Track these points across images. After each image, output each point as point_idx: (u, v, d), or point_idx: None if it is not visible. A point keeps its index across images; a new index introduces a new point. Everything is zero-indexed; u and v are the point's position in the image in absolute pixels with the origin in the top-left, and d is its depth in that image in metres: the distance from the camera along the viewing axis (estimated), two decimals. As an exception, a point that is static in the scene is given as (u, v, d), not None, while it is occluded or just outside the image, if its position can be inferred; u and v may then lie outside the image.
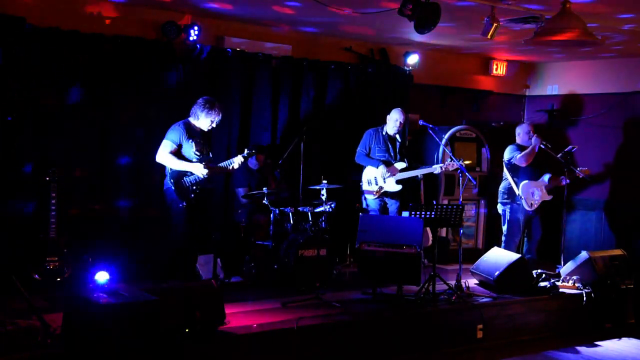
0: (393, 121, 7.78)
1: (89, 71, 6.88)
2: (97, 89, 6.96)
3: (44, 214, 6.39)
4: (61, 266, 6.35)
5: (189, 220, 6.42)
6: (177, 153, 6.39)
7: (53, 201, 6.33)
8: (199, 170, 6.36)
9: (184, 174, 6.39)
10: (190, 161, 6.39)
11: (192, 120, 6.51)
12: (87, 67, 6.86)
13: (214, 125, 6.53)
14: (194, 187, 6.40)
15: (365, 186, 7.81)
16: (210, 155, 6.58)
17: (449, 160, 7.58)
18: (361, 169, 7.94)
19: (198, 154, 6.43)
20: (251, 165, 7.60)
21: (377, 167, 7.72)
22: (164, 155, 6.39)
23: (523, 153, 7.86)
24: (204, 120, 6.47)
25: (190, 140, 6.41)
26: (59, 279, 6.33)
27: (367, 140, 7.89)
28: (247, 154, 6.68)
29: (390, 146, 7.81)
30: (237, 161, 6.61)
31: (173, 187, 6.37)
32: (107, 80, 7.00)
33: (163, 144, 6.40)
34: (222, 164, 6.64)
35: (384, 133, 7.85)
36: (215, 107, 6.46)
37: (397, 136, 7.82)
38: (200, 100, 6.48)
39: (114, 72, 7.01)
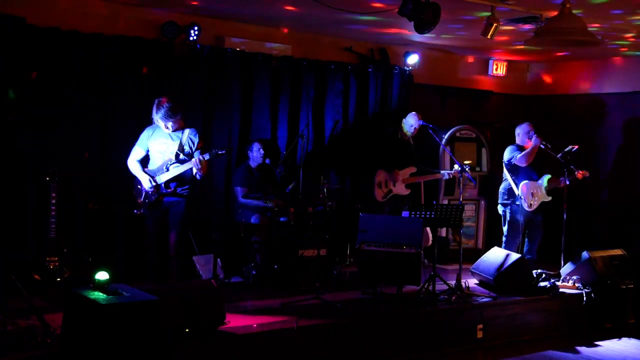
0: (408, 126, 7.90)
1: (89, 71, 6.88)
2: (97, 89, 6.96)
3: (44, 214, 6.38)
4: (61, 266, 6.35)
5: (148, 227, 6.33)
6: (146, 158, 6.33)
7: (53, 201, 6.33)
8: (145, 184, 6.23)
9: (140, 181, 6.30)
10: (154, 164, 6.29)
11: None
12: (87, 67, 6.86)
13: (168, 126, 6.17)
14: (149, 194, 6.23)
15: (375, 188, 7.82)
16: (177, 158, 6.21)
17: (456, 167, 7.55)
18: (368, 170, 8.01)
19: (162, 155, 6.26)
20: (254, 160, 7.57)
21: (391, 172, 7.78)
22: (129, 161, 6.35)
23: (523, 153, 7.85)
24: (158, 122, 6.21)
25: (155, 142, 6.27)
26: (59, 279, 6.32)
27: (387, 143, 8.01)
28: (211, 154, 6.14)
29: (405, 150, 7.89)
30: (193, 163, 6.11)
31: (134, 193, 6.36)
32: (107, 80, 7.00)
33: (132, 149, 6.36)
34: (182, 167, 6.19)
35: (399, 136, 7.94)
36: (161, 106, 6.10)
37: (411, 140, 7.91)
38: (154, 101, 6.22)
39: (114, 72, 7.01)
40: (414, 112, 7.98)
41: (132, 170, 6.35)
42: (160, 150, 6.28)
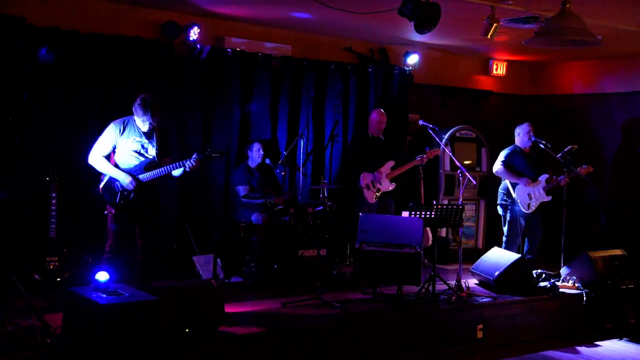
0: (375, 122, 7.88)
1: (89, 71, 6.88)
2: (97, 89, 6.97)
3: (44, 214, 6.38)
4: (61, 266, 6.35)
5: (121, 227, 5.95)
6: (114, 154, 5.93)
7: (53, 201, 6.33)
8: (125, 181, 5.84)
9: (114, 179, 5.91)
10: (127, 162, 5.92)
11: (135, 117, 5.94)
12: (87, 67, 6.86)
13: (146, 126, 5.89)
14: (125, 193, 5.89)
15: (365, 191, 7.82)
16: (153, 157, 5.98)
17: (427, 149, 7.68)
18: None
19: (137, 155, 5.94)
20: (253, 160, 7.57)
21: (374, 172, 7.79)
22: (94, 158, 5.90)
23: (510, 174, 7.86)
24: (137, 119, 5.89)
25: (127, 139, 5.90)
26: (59, 279, 6.33)
27: (359, 146, 7.97)
28: (205, 155, 5.97)
29: (378, 148, 7.89)
30: (188, 164, 5.89)
31: (102, 192, 5.95)
32: (107, 80, 7.00)
33: (96, 145, 5.91)
34: (167, 168, 5.93)
35: (370, 136, 7.92)
36: (145, 106, 5.79)
37: (381, 136, 7.91)
38: (139, 96, 5.90)
39: (114, 72, 7.02)
40: (379, 108, 8.01)
41: (100, 167, 5.91)
42: (134, 149, 5.95)
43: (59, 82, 6.73)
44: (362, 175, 7.83)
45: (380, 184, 7.80)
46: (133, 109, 5.92)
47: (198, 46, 7.48)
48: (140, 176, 5.96)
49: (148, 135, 6.01)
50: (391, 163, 7.88)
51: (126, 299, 4.61)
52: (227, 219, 7.77)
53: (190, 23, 7.30)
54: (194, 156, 5.90)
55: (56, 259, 6.35)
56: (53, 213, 6.34)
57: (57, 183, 6.38)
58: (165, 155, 6.09)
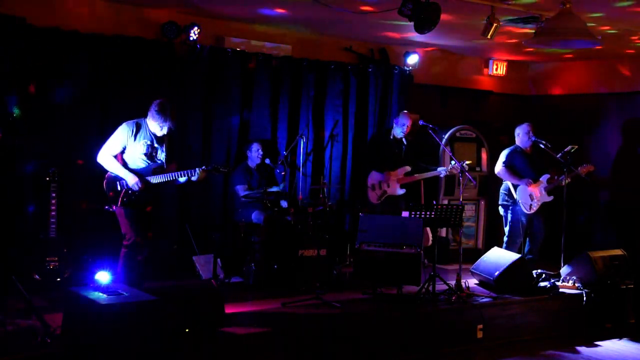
0: (401, 125, 7.89)
1: (89, 71, 6.88)
2: (97, 89, 6.97)
3: (44, 214, 6.38)
4: (61, 266, 6.35)
5: (133, 220, 5.94)
6: (122, 155, 5.97)
7: (53, 201, 6.33)
8: (131, 181, 5.87)
9: (119, 177, 5.93)
10: (135, 164, 5.95)
11: (147, 120, 6.00)
12: (87, 67, 6.86)
13: (163, 131, 5.97)
14: (130, 192, 5.92)
15: (369, 191, 7.83)
16: (161, 161, 6.05)
17: (453, 162, 7.58)
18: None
19: (145, 158, 5.97)
20: (252, 160, 7.58)
21: (383, 174, 7.79)
22: (104, 157, 5.92)
23: (511, 175, 7.87)
24: (152, 123, 5.94)
25: (138, 142, 5.94)
26: (59, 279, 6.33)
27: (375, 145, 8.04)
28: (212, 167, 6.13)
29: (396, 151, 7.90)
30: (196, 174, 6.00)
31: (105, 188, 5.97)
32: (107, 80, 7.00)
33: (106, 144, 5.94)
34: (174, 174, 6.00)
35: (391, 137, 7.93)
36: (165, 111, 5.87)
37: (404, 140, 7.92)
38: (155, 101, 5.96)
39: (114, 72, 7.02)
40: (404, 111, 8.01)
41: (108, 166, 5.92)
42: (144, 152, 5.98)
43: (59, 82, 6.72)
44: (370, 175, 7.86)
45: (388, 186, 7.80)
46: (149, 114, 5.96)
47: (198, 46, 7.48)
48: (148, 178, 5.99)
49: (159, 140, 6.06)
50: (406, 168, 7.88)
51: (126, 299, 4.61)
52: (227, 219, 7.77)
53: (190, 23, 7.30)
54: (201, 167, 6.00)
55: (56, 259, 6.35)
56: (53, 213, 6.34)
57: (57, 183, 6.37)
58: (172, 161, 6.14)
